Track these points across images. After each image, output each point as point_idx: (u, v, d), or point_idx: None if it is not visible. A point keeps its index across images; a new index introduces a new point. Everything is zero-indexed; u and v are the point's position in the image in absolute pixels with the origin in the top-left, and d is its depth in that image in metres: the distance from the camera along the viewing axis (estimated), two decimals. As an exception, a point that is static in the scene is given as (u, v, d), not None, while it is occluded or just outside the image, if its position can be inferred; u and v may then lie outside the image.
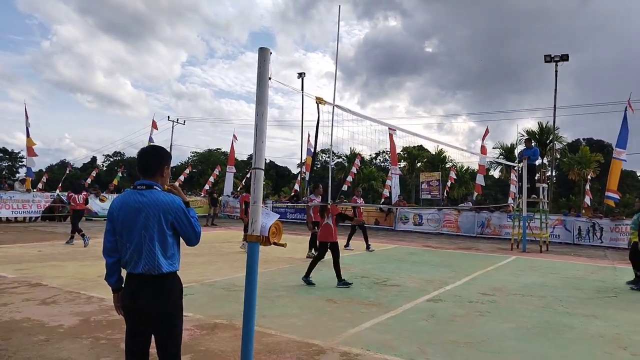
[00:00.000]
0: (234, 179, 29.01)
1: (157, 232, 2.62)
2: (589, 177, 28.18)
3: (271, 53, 4.00)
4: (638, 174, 54.11)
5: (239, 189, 32.50)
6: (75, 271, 8.01)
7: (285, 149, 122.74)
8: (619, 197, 18.09)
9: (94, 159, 66.46)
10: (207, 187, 29.32)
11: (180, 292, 2.74)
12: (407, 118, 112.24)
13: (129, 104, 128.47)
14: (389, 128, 10.23)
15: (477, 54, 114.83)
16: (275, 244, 3.82)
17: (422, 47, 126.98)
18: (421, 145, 49.50)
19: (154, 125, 26.08)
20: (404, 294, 7.24)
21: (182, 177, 30.64)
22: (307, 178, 29.82)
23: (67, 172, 35.86)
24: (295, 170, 56.62)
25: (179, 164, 59.01)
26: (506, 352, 4.56)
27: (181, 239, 2.77)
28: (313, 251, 10.99)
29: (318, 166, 55.62)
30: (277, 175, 62.54)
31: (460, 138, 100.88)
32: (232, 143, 27.51)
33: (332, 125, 5.93)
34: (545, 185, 16.14)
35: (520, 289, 7.94)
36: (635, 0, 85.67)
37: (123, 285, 2.75)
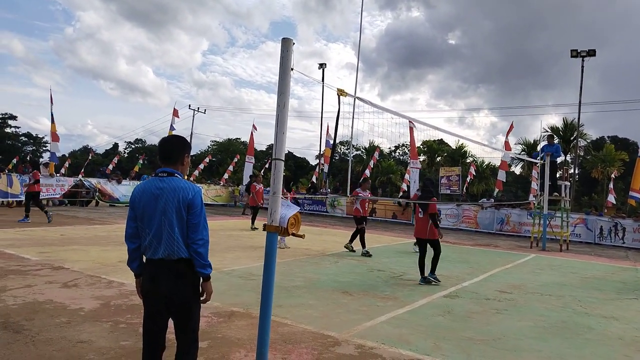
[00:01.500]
0: (253, 169, 29.16)
1: (176, 218, 2.67)
2: (612, 175, 27.53)
3: (294, 44, 3.99)
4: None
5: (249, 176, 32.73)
6: (97, 256, 8.17)
7: (304, 140, 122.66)
8: (643, 197, 17.67)
9: (115, 145, 67.53)
10: (226, 176, 29.56)
11: (198, 276, 2.78)
12: (427, 111, 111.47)
13: (151, 92, 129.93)
14: (409, 121, 10.14)
15: (500, 47, 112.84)
16: (293, 234, 3.83)
17: (444, 39, 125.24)
18: (441, 140, 49.00)
19: (175, 114, 26.31)
20: (421, 289, 7.21)
21: (201, 166, 30.92)
22: (325, 170, 29.83)
23: (90, 157, 36.53)
24: (313, 161, 56.65)
25: (199, 152, 59.55)
26: (522, 351, 4.52)
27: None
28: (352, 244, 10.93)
29: (336, 158, 55.55)
30: (295, 166, 62.66)
31: (482, 133, 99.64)
32: (252, 133, 27.60)
33: (353, 117, 5.91)
34: (567, 183, 15.84)
35: (538, 288, 7.84)
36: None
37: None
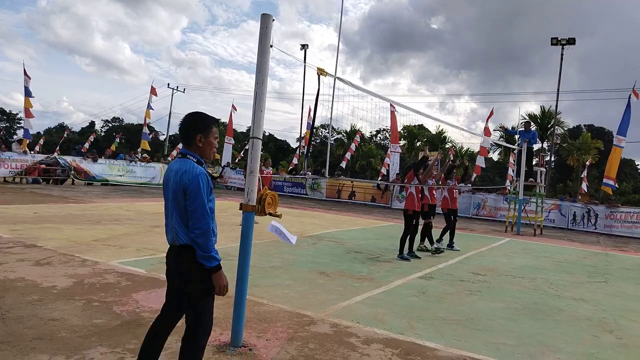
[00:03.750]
0: (232, 150, 28.91)
1: (173, 202, 2.61)
2: (587, 163, 28.16)
3: (273, 20, 3.92)
4: (637, 164, 54.23)
5: (237, 161, 32.47)
6: (70, 234, 8.03)
7: (285, 122, 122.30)
8: (615, 185, 18.15)
9: (92, 123, 66.12)
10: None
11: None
12: (409, 96, 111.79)
13: (128, 69, 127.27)
14: (390, 105, 10.14)
15: (483, 34, 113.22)
16: (270, 214, 3.82)
17: (427, 23, 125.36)
18: (422, 125, 49.30)
19: (153, 92, 25.81)
20: (397, 270, 7.30)
21: (180, 146, 30.54)
22: (305, 152, 29.77)
23: (65, 135, 35.70)
24: (294, 144, 56.50)
25: (178, 132, 58.75)
26: (494, 331, 4.62)
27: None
28: (427, 242, 9.54)
29: (317, 141, 55.48)
30: (276, 149, 62.40)
31: (462, 119, 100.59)
32: (231, 114, 27.32)
33: (333, 98, 5.88)
34: (543, 169, 16.16)
35: (511, 271, 8.01)
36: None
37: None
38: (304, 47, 33.62)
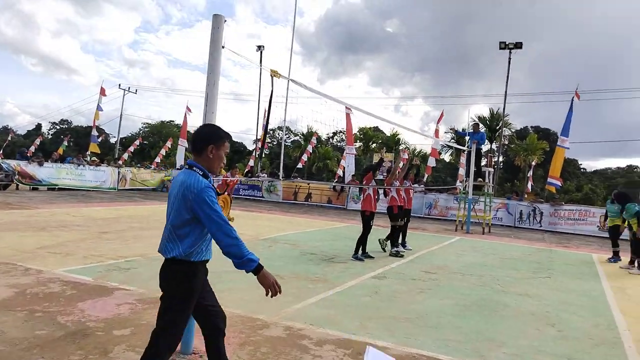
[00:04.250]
0: (185, 153, 28.37)
1: (176, 212, 2.56)
2: (533, 163, 29.41)
3: (225, 21, 3.92)
4: (580, 163, 57.12)
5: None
6: (13, 242, 7.66)
7: (241, 124, 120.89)
8: (560, 184, 19.06)
9: (38, 126, 63.04)
10: (157, 159, 28.58)
11: (180, 279, 2.62)
12: (365, 98, 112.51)
13: (77, 69, 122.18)
14: (345, 107, 10.26)
15: (436, 37, 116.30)
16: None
17: (382, 26, 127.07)
18: (377, 127, 50.12)
19: (103, 93, 25.01)
20: (350, 270, 7.39)
21: (131, 149, 29.70)
22: (259, 154, 29.61)
23: (9, 138, 34.01)
24: (251, 146, 56.00)
25: (129, 134, 57.08)
26: (443, 327, 4.77)
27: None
28: (388, 243, 9.55)
29: (274, 143, 55.25)
30: (232, 151, 61.65)
31: (416, 121, 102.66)
32: (185, 115, 26.76)
33: (287, 100, 5.89)
34: (491, 169, 16.78)
35: (461, 268, 8.28)
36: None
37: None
38: (260, 48, 33.44)
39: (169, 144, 29.79)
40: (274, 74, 4.78)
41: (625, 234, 10.39)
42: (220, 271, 6.61)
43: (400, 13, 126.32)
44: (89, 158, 23.19)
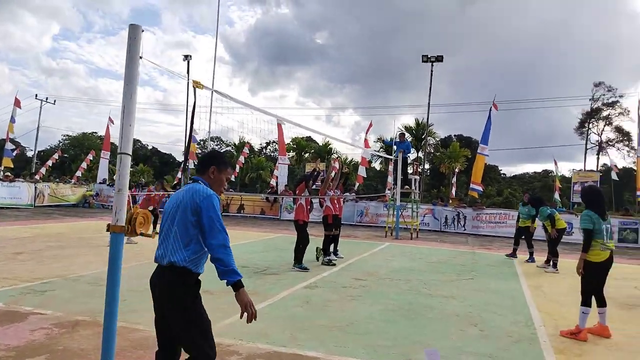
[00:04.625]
0: (109, 166, 27.06)
1: (181, 220, 2.59)
2: (456, 170, 30.90)
3: (143, 31, 3.79)
4: (500, 169, 60.71)
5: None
6: None
7: (170, 134, 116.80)
8: (482, 189, 20.16)
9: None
10: (78, 173, 27.04)
11: (183, 288, 2.63)
12: (297, 109, 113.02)
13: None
14: (276, 119, 10.27)
15: (364, 50, 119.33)
16: (142, 234, 3.64)
17: (312, 38, 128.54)
18: (309, 137, 50.49)
19: (17, 104, 23.38)
20: (283, 282, 7.35)
21: (50, 162, 27.86)
22: (191, 166, 28.82)
23: None
24: (180, 157, 54.48)
25: (48, 147, 53.51)
26: (372, 334, 4.85)
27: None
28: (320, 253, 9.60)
29: (201, 153, 54.09)
30: (160, 163, 59.64)
31: (347, 131, 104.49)
32: (108, 126, 25.63)
33: (211, 111, 5.80)
34: (417, 177, 17.42)
35: (390, 274, 8.50)
36: (507, 10, 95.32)
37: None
38: (187, 57, 32.72)
39: (90, 156, 28.31)
40: (196, 84, 4.68)
41: (542, 234, 11.21)
42: (146, 290, 6.34)
43: (329, 26, 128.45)
44: (1, 173, 21.48)
